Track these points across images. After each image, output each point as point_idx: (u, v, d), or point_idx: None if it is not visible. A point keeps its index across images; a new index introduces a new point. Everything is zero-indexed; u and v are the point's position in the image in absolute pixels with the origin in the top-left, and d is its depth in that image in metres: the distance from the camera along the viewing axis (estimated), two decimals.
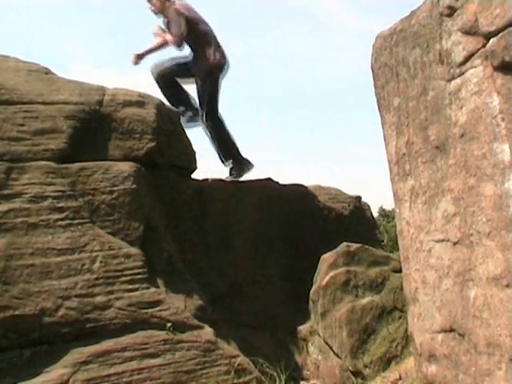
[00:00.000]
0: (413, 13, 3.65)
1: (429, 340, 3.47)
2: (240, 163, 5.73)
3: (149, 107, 4.80)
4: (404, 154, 3.80)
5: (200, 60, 5.42)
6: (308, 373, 4.92)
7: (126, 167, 4.27)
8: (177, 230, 4.80)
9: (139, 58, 5.53)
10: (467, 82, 3.02)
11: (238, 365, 3.77)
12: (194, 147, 5.39)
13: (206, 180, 5.47)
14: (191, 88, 5.65)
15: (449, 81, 3.20)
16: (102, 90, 4.72)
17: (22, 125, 4.05)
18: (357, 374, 4.82)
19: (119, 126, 4.55)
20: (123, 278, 3.76)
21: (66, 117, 4.25)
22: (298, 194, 5.98)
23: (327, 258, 5.32)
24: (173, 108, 5.43)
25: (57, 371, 3.30)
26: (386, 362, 4.90)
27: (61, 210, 3.82)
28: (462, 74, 3.07)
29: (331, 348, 5.03)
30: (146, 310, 3.71)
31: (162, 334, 3.66)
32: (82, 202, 3.94)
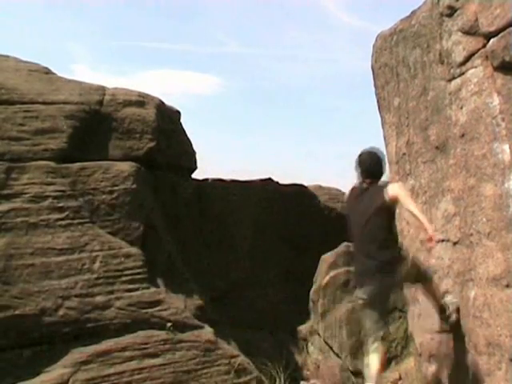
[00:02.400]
0: (413, 13, 3.65)
1: (429, 340, 3.47)
2: None
3: (149, 107, 4.80)
4: (404, 154, 3.80)
5: None
6: (308, 373, 4.92)
7: (126, 167, 4.27)
8: (177, 230, 4.80)
9: None
10: (467, 82, 3.02)
11: (238, 365, 3.77)
12: (194, 147, 5.40)
13: (206, 180, 5.48)
14: None
15: (449, 81, 3.20)
16: (102, 89, 4.72)
17: (22, 124, 4.05)
18: (357, 373, 4.82)
19: (119, 125, 4.55)
20: (123, 278, 3.76)
21: (66, 116, 4.25)
22: (298, 193, 5.99)
23: (327, 258, 5.32)
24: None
25: (57, 371, 3.30)
26: (386, 361, 4.89)
27: (61, 209, 3.82)
28: (462, 74, 3.08)
29: (331, 348, 5.03)
30: (145, 310, 3.71)
31: (162, 334, 3.66)
32: (82, 202, 3.94)
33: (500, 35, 2.72)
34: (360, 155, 3.23)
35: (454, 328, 3.21)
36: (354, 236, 3.22)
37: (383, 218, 3.05)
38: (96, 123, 4.44)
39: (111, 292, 3.68)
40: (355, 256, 3.21)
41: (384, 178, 3.25)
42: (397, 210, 4.04)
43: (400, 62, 3.79)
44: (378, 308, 3.12)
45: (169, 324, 3.70)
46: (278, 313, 5.14)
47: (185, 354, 3.65)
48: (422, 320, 3.61)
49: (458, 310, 3.16)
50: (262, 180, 6.20)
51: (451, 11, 3.14)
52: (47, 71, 4.90)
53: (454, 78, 3.16)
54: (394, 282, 2.98)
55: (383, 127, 4.20)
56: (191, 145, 5.38)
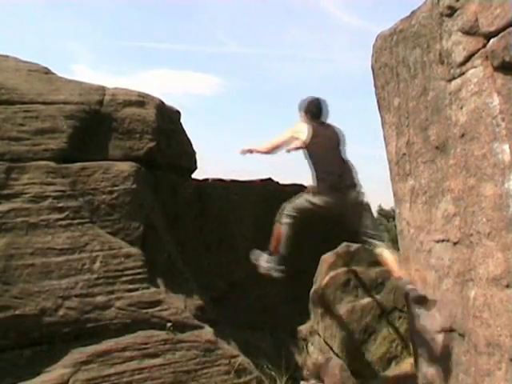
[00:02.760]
0: (413, 13, 3.65)
1: (429, 340, 3.47)
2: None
3: (149, 107, 4.79)
4: (404, 154, 3.80)
5: None
6: (308, 373, 4.92)
7: (126, 167, 4.27)
8: (177, 230, 4.80)
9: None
10: (467, 82, 3.02)
11: (238, 365, 3.76)
12: (194, 147, 5.40)
13: (206, 180, 5.47)
14: None
15: (449, 81, 3.20)
16: (102, 89, 4.72)
17: (22, 125, 4.04)
18: (357, 374, 4.82)
19: (119, 125, 4.54)
20: (123, 278, 3.76)
21: (66, 117, 4.24)
22: (298, 193, 5.98)
23: (327, 258, 5.32)
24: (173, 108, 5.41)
25: (57, 371, 3.30)
26: (386, 361, 4.89)
27: (61, 209, 3.82)
28: (462, 74, 3.08)
29: (331, 348, 5.03)
30: (146, 310, 3.70)
31: (162, 334, 3.66)
32: (82, 202, 3.94)
33: (500, 35, 2.73)
34: (313, 101, 4.29)
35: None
36: (325, 157, 4.12)
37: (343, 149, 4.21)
38: (96, 123, 4.44)
39: (111, 292, 3.67)
40: (331, 171, 4.07)
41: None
42: (396, 210, 4.04)
43: (400, 62, 3.79)
44: (370, 213, 4.34)
45: (169, 324, 3.70)
46: (278, 313, 5.14)
47: (185, 354, 3.65)
48: (422, 320, 3.61)
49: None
50: (262, 180, 6.19)
51: (451, 11, 3.14)
52: (47, 71, 4.89)
53: (454, 78, 3.16)
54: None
55: (383, 127, 4.21)
56: (191, 145, 5.37)
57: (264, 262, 4.28)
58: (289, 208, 4.37)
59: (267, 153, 4.43)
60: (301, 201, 4.39)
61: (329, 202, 4.07)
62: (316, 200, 4.17)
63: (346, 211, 4.15)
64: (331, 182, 4.03)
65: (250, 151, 4.42)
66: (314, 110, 4.24)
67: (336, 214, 4.27)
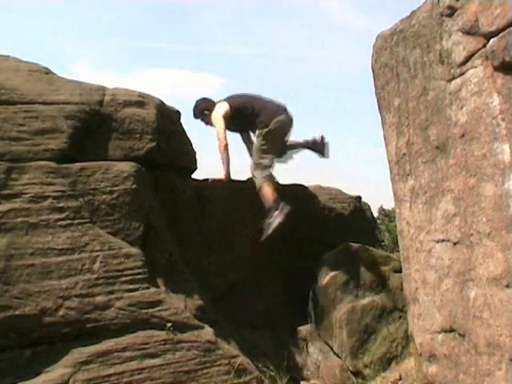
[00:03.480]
0: (413, 13, 3.65)
1: (429, 340, 3.47)
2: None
3: (149, 107, 4.79)
4: (404, 154, 3.80)
5: None
6: (308, 373, 4.92)
7: (126, 167, 4.27)
8: (177, 230, 4.80)
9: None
10: (467, 82, 3.02)
11: (238, 365, 3.77)
12: (194, 147, 5.40)
13: (206, 180, 5.47)
14: None
15: (449, 81, 3.20)
16: (102, 89, 4.72)
17: (22, 125, 4.04)
18: (357, 373, 4.83)
19: (119, 126, 4.55)
20: (123, 278, 3.76)
21: (67, 117, 4.24)
22: (298, 194, 5.98)
23: (327, 258, 5.33)
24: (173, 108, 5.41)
25: (57, 371, 3.30)
26: (386, 361, 4.90)
27: (61, 209, 3.82)
28: (462, 74, 3.08)
29: (331, 348, 5.03)
30: (146, 310, 3.71)
31: (162, 334, 3.66)
32: (82, 202, 3.94)
33: (500, 35, 2.72)
34: (203, 100, 5.44)
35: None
36: (255, 102, 5.19)
37: None
38: (96, 123, 4.44)
39: (111, 292, 3.68)
40: (267, 105, 5.19)
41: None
42: (396, 210, 4.04)
43: (400, 62, 3.79)
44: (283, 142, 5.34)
45: (169, 324, 3.70)
46: (278, 313, 5.14)
47: (185, 354, 3.65)
48: (421, 320, 3.61)
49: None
50: None
51: (451, 11, 3.14)
52: (47, 71, 4.89)
53: (453, 78, 3.16)
54: None
55: (383, 127, 4.20)
56: (191, 145, 5.37)
57: (276, 218, 4.92)
58: (257, 166, 5.07)
59: (228, 171, 5.24)
60: (258, 148, 5.08)
61: (281, 120, 5.04)
62: (271, 126, 4.98)
63: (287, 132, 5.20)
64: (274, 109, 5.10)
65: (220, 181, 5.29)
66: (210, 101, 5.34)
67: (282, 144, 5.23)
